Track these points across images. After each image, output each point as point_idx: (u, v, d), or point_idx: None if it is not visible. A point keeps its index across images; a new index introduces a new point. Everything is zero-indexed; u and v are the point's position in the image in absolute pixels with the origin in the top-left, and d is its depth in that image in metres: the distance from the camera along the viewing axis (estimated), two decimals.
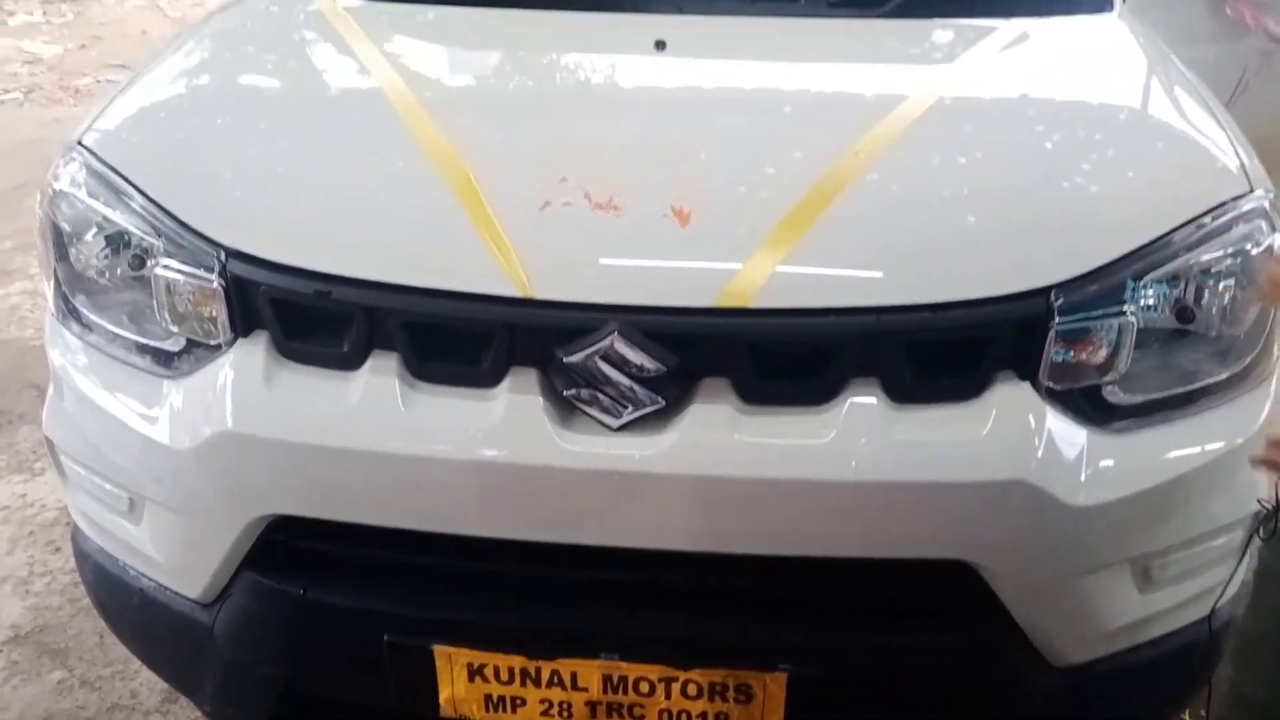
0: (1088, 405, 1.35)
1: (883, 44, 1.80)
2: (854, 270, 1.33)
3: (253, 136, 1.56)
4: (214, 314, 1.41)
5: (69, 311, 1.56)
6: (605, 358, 1.28)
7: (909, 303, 1.29)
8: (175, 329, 1.44)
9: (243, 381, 1.37)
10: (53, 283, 1.57)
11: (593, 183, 1.36)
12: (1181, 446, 1.40)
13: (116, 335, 1.50)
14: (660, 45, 1.66)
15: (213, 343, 1.42)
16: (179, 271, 1.41)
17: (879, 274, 1.32)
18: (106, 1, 7.11)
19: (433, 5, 1.89)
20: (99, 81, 5.54)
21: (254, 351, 1.39)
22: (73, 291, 1.55)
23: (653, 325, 1.28)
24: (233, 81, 1.75)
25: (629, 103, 1.61)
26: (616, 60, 1.75)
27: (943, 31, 1.82)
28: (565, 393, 1.31)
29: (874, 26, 1.82)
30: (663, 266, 1.33)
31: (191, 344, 1.44)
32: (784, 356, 1.31)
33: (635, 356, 1.27)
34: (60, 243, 1.54)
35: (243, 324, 1.40)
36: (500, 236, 1.32)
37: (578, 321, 1.29)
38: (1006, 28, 1.81)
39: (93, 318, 1.53)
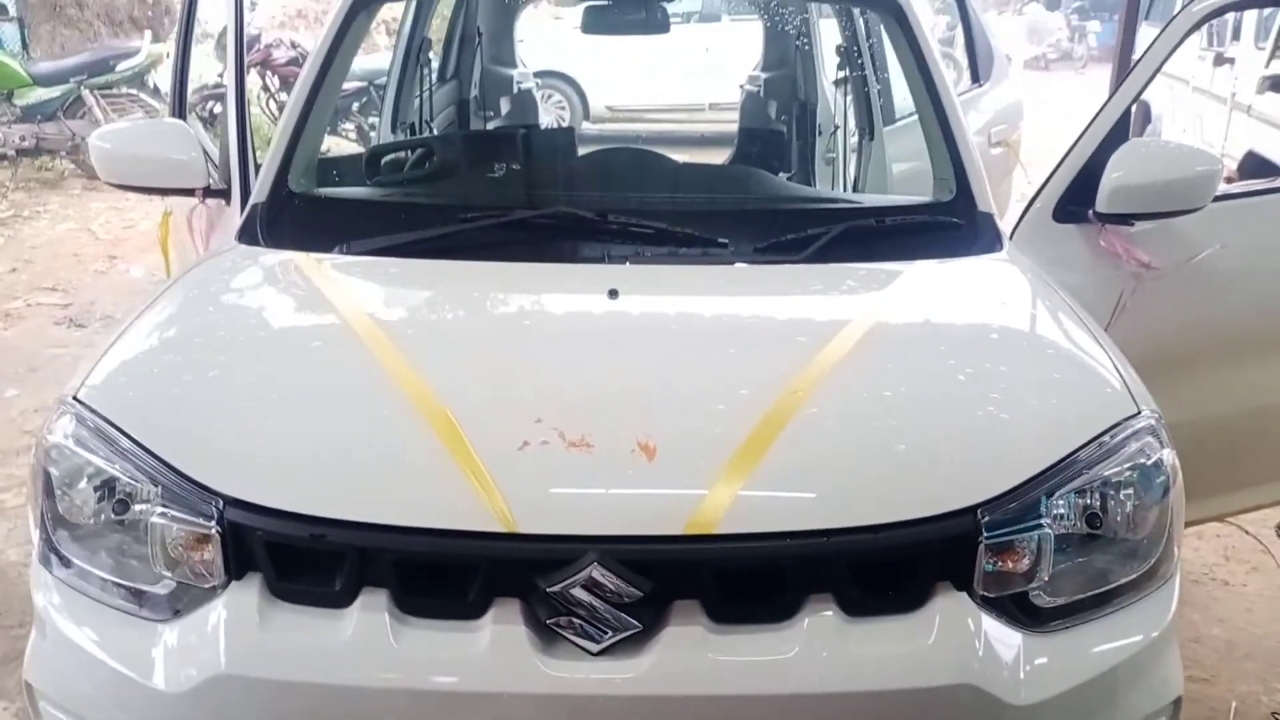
0: (1019, 610, 1.50)
1: (808, 287, 2.03)
2: (805, 495, 1.49)
3: (242, 387, 1.68)
4: (208, 558, 1.49)
5: (55, 554, 1.61)
6: (585, 586, 1.39)
7: (856, 525, 1.44)
8: (168, 574, 1.51)
9: (237, 623, 1.44)
10: (39, 528, 1.64)
11: (566, 423, 1.51)
12: (1105, 642, 1.54)
13: (104, 579, 1.56)
14: (613, 294, 1.86)
15: (205, 586, 1.49)
16: (175, 519, 1.50)
17: (827, 499, 1.47)
18: (38, 224, 7.25)
19: (403, 259, 2.07)
20: (30, 305, 5.60)
21: (247, 593, 1.46)
22: (60, 536, 1.61)
23: (628, 554, 1.40)
24: (218, 333, 1.89)
25: (590, 347, 1.78)
26: (575, 308, 1.94)
27: (859, 275, 2.06)
28: (547, 621, 1.41)
29: (798, 272, 2.04)
30: (635, 498, 1.47)
31: (183, 587, 1.51)
32: (747, 578, 1.44)
33: (613, 584, 1.39)
34: (49, 490, 1.62)
35: (236, 567, 1.48)
36: (484, 476, 1.45)
37: (559, 553, 1.41)
38: (914, 270, 2.06)
39: (79, 562, 1.59)
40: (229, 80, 2.50)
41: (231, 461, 1.53)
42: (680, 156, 2.82)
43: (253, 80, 9.51)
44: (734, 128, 4.54)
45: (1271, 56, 5.88)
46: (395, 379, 1.63)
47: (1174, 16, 2.50)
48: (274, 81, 9.48)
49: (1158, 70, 2.52)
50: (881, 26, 2.91)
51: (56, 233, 7.04)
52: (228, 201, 2.45)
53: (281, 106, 9.46)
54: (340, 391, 1.65)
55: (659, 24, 2.80)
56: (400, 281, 2.06)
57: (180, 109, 3.19)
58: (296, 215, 2.22)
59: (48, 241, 6.84)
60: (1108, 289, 2.40)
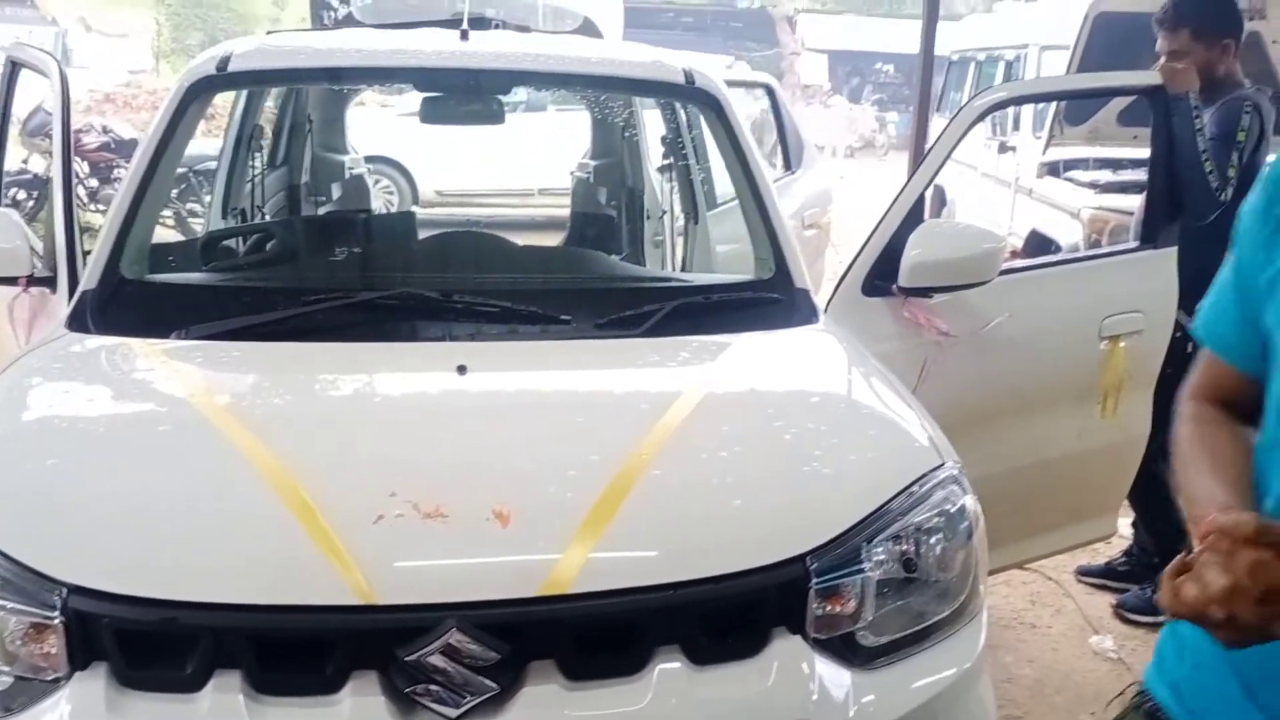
0: (847, 650, 1.64)
1: (646, 359, 2.16)
2: (652, 552, 1.58)
3: (81, 473, 1.65)
4: (50, 650, 1.45)
5: None
6: (443, 652, 1.44)
7: (699, 576, 1.55)
8: (4, 668, 1.46)
9: (82, 714, 1.41)
10: None
11: (420, 495, 1.56)
12: (924, 676, 1.69)
13: None
14: (462, 369, 1.93)
15: (46, 679, 1.45)
16: (13, 610, 1.45)
17: (672, 555, 1.58)
18: None
19: (244, 342, 2.08)
20: None
21: (93, 684, 1.43)
22: None
23: (485, 618, 1.46)
24: (53, 421, 1.85)
25: (442, 421, 1.84)
26: (425, 383, 2.00)
27: (692, 347, 2.20)
28: (406, 690, 1.44)
29: (636, 345, 2.17)
30: (490, 565, 1.53)
31: (20, 682, 1.46)
32: (600, 635, 1.51)
33: (471, 649, 1.44)
34: None
35: (81, 657, 1.45)
36: (339, 550, 1.48)
37: (417, 622, 1.45)
38: (740, 341, 2.22)
39: None
40: (55, 166, 2.45)
41: (73, 548, 1.50)
42: (516, 240, 2.94)
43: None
44: (565, 212, 4.70)
45: (1047, 145, 6.55)
46: (243, 455, 1.64)
47: (959, 110, 2.81)
48: (84, 167, 9.12)
49: (947, 157, 2.81)
50: (702, 118, 3.13)
51: None
52: (53, 289, 2.39)
53: (91, 192, 9.11)
54: (186, 471, 1.64)
55: (495, 115, 2.93)
56: (243, 364, 2.06)
57: None
58: (129, 301, 2.19)
59: None
60: (913, 355, 2.63)
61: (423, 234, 2.96)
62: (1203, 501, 1.06)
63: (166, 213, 8.53)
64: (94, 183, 9.13)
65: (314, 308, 2.13)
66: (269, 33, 3.33)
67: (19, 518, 1.55)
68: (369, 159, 9.59)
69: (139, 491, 1.61)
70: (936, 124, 8.95)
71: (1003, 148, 7.46)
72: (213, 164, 4.67)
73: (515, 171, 10.14)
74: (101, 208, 8.99)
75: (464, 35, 2.64)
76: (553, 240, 4.77)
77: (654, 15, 23.70)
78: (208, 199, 6.04)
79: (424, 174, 10.45)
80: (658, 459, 1.71)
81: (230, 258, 2.57)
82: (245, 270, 2.46)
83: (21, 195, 8.61)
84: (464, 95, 2.90)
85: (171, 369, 1.95)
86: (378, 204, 10.20)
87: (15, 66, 2.97)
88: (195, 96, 2.49)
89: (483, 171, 10.23)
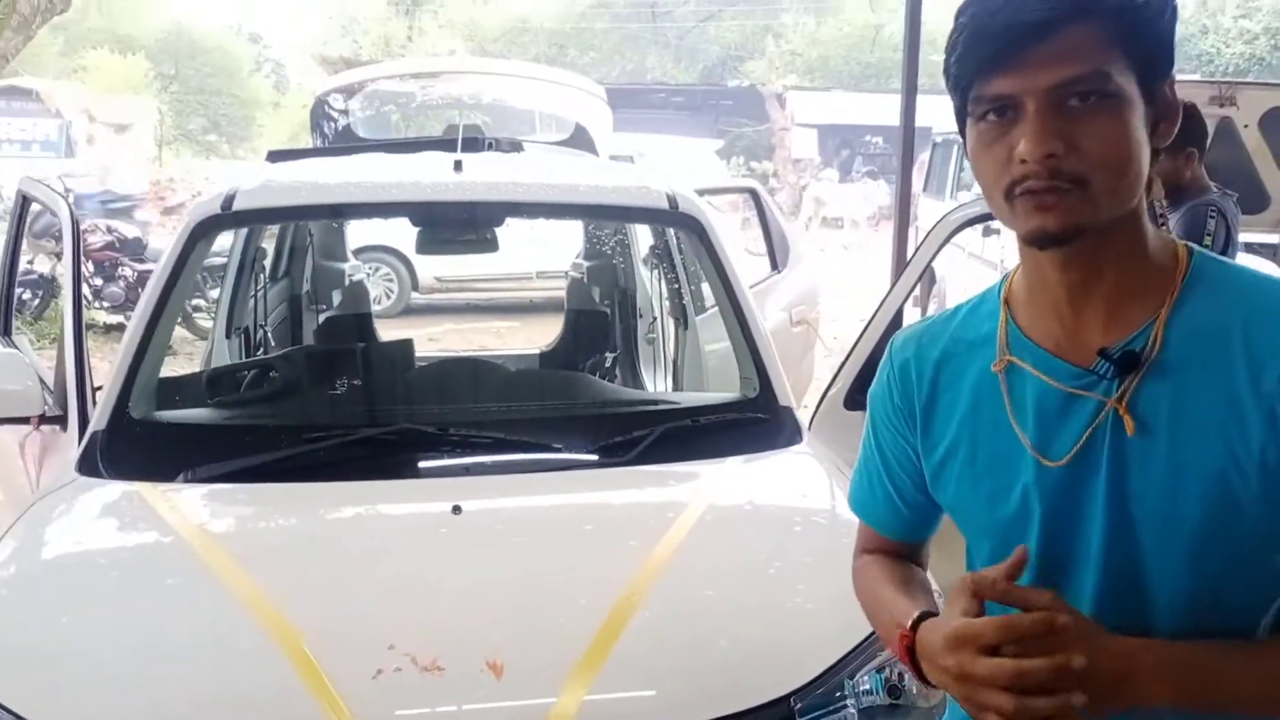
0: None
1: (636, 490, 2.25)
2: (645, 694, 1.66)
3: (87, 626, 1.74)
4: None
5: None
6: None
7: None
8: None
9: None
10: None
11: (417, 648, 1.63)
12: None
13: None
14: (456, 509, 2.01)
15: None
16: None
17: (664, 698, 1.65)
18: None
19: (248, 484, 2.16)
20: None
21: None
22: None
23: None
24: (64, 571, 1.93)
25: (438, 566, 1.92)
26: (423, 524, 2.08)
27: (679, 475, 2.29)
28: None
29: (627, 474, 2.25)
30: (486, 713, 1.59)
31: None
32: None
33: None
34: None
35: None
36: (339, 705, 1.55)
37: None
38: (726, 468, 2.30)
39: None
40: (65, 310, 2.55)
41: (75, 702, 1.57)
42: (511, 343, 3.02)
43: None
44: (562, 293, 4.83)
45: None
46: (246, 605, 1.72)
47: (935, 224, 2.92)
48: (89, 266, 9.29)
49: (925, 271, 2.92)
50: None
51: None
52: (63, 428, 2.48)
53: (96, 291, 9.26)
54: (188, 623, 1.72)
55: (488, 245, 3.05)
56: (247, 508, 2.14)
57: (6, 323, 3.19)
58: (137, 443, 2.28)
59: None
60: None
61: (422, 363, 3.07)
62: (889, 628, 1.11)
63: None
64: (99, 281, 9.28)
65: (314, 446, 2.22)
66: (270, 154, 3.46)
67: (18, 669, 1.62)
68: (368, 248, 9.85)
69: (141, 646, 1.68)
70: (922, 204, 9.16)
71: (987, 230, 7.62)
72: (220, 259, 4.79)
73: (513, 256, 10.32)
74: (106, 304, 9.14)
75: (458, 166, 2.77)
76: (549, 326, 4.86)
77: (646, 96, 24.21)
78: (214, 294, 6.17)
79: (423, 261, 10.62)
80: (647, 599, 1.78)
81: (234, 391, 2.66)
82: (248, 406, 2.55)
83: (27, 295, 8.78)
84: (458, 227, 3.02)
85: (177, 516, 2.03)
86: (377, 291, 10.42)
87: (26, 201, 3.10)
88: (202, 235, 2.61)
89: (481, 257, 10.36)
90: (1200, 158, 3.37)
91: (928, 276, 8.21)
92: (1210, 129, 5.04)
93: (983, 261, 7.81)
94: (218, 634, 1.70)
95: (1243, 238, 4.36)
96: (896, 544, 1.26)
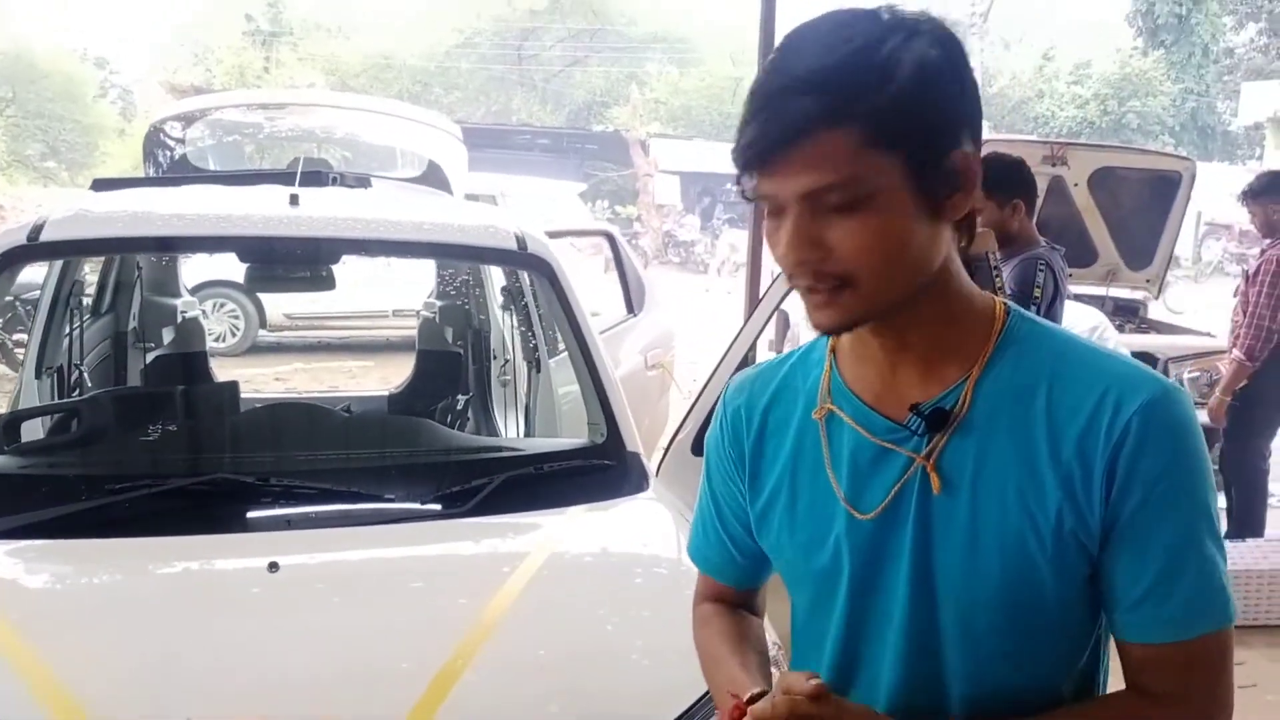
0: None
1: (470, 544, 2.14)
2: None
3: None
4: None
5: None
6: None
7: None
8: None
9: None
10: None
11: (219, 715, 1.49)
12: None
13: None
14: (273, 567, 1.86)
15: None
16: None
17: None
18: None
19: (42, 540, 1.96)
20: None
21: None
22: None
23: None
24: None
25: (245, 631, 1.77)
26: (232, 585, 1.92)
27: (520, 527, 2.19)
28: None
29: (463, 526, 2.15)
30: None
31: None
32: None
33: None
34: None
35: None
36: None
37: None
38: (568, 517, 2.22)
39: None
40: None
41: None
42: (364, 384, 2.88)
43: None
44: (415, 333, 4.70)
45: None
46: (25, 686, 1.54)
47: (777, 275, 2.95)
48: None
49: (770, 316, 2.93)
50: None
51: None
52: None
53: None
54: None
55: (325, 282, 2.91)
56: (35, 566, 1.94)
57: None
58: None
59: None
60: None
61: (248, 407, 2.89)
62: (723, 693, 1.10)
63: None
64: None
65: (119, 498, 2.03)
66: (95, 182, 3.24)
67: None
68: (212, 283, 9.41)
69: None
70: None
71: None
72: (38, 293, 4.46)
73: (368, 293, 10.04)
74: None
75: (294, 200, 2.63)
76: (406, 364, 4.72)
77: (511, 137, 24.17)
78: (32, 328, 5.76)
79: (272, 298, 10.23)
80: (477, 659, 1.68)
81: (37, 435, 2.44)
82: (51, 453, 2.33)
83: None
84: (291, 264, 2.87)
85: None
86: (222, 328, 9.96)
87: None
88: (5, 266, 2.39)
89: (333, 294, 10.05)
90: (1029, 210, 3.51)
91: (781, 319, 8.39)
92: (1043, 187, 5.31)
93: None
94: None
95: (1073, 289, 4.58)
96: (733, 591, 1.24)
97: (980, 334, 1.01)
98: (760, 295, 6.11)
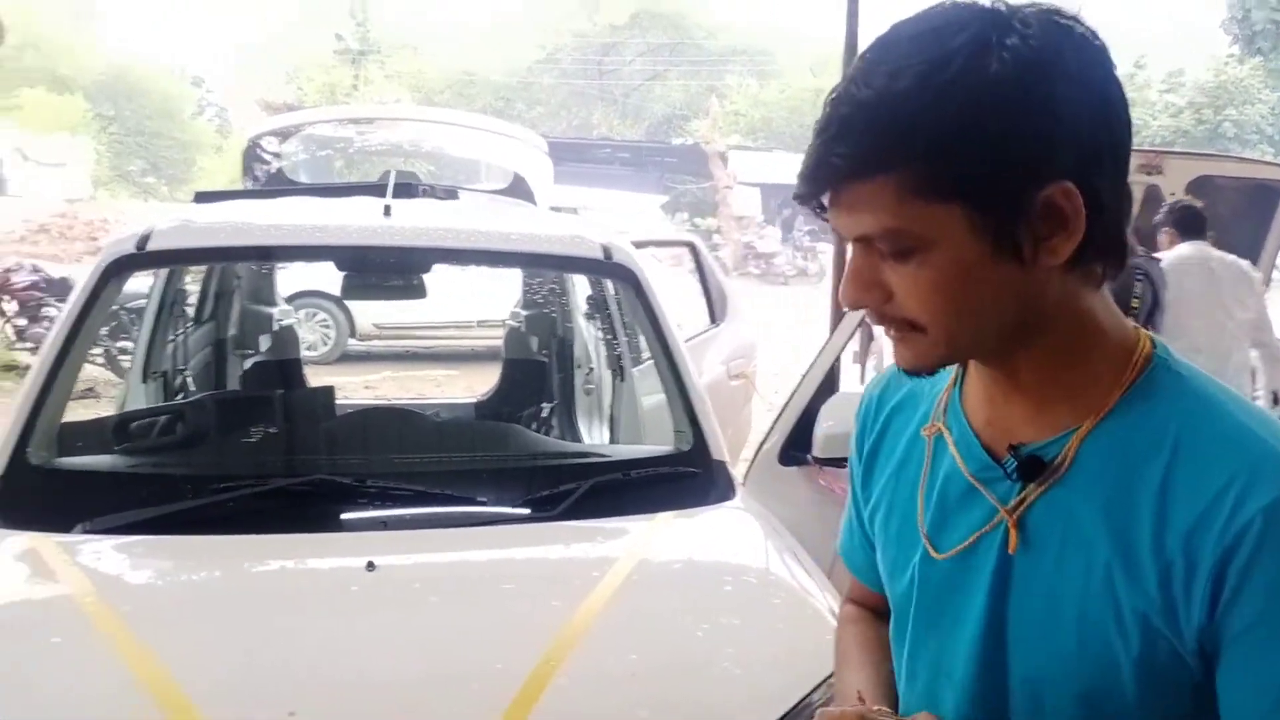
0: None
1: (563, 548, 2.16)
2: None
3: None
4: None
5: None
6: None
7: None
8: None
9: None
10: None
11: (321, 712, 1.53)
12: None
13: None
14: (370, 566, 1.91)
15: None
16: None
17: None
18: None
19: (151, 536, 2.04)
20: None
21: None
22: None
23: None
24: None
25: (344, 627, 1.80)
26: (334, 582, 1.97)
27: (608, 531, 2.21)
28: None
29: (554, 530, 2.17)
30: None
31: None
32: None
33: None
34: None
35: None
36: None
37: None
38: (656, 524, 2.23)
39: None
40: None
41: None
42: (449, 392, 2.94)
43: None
44: (500, 343, 4.76)
45: None
46: (137, 677, 1.60)
47: None
48: (12, 306, 9.01)
49: (856, 328, 2.91)
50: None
51: None
52: None
53: (19, 331, 8.97)
54: (76, 695, 1.59)
55: (416, 291, 2.98)
56: (145, 562, 2.02)
57: None
58: (34, 491, 2.15)
59: None
60: (831, 525, 2.67)
61: (343, 411, 2.96)
62: (844, 695, 1.06)
63: (96, 350, 8.46)
64: (22, 321, 9.01)
65: (222, 497, 2.10)
66: (197, 195, 3.36)
67: None
68: (304, 294, 9.67)
69: (17, 715, 1.55)
70: None
71: None
72: (144, 301, 4.64)
73: (454, 304, 10.22)
74: (29, 345, 8.84)
75: (387, 211, 2.70)
76: (490, 373, 4.78)
77: (592, 150, 24.41)
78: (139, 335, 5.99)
79: (361, 307, 10.47)
80: (567, 663, 1.69)
81: (143, 438, 2.53)
82: (156, 453, 2.42)
83: None
84: (385, 273, 2.95)
85: (71, 570, 1.90)
86: (314, 337, 10.23)
87: None
88: (114, 275, 2.50)
89: (421, 304, 10.24)
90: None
91: (865, 331, 8.30)
92: (1138, 196, 5.17)
93: None
94: (101, 702, 1.58)
95: None
96: (877, 595, 1.13)
97: (1113, 379, 0.86)
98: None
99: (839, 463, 2.66)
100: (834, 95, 0.82)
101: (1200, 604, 0.79)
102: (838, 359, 2.88)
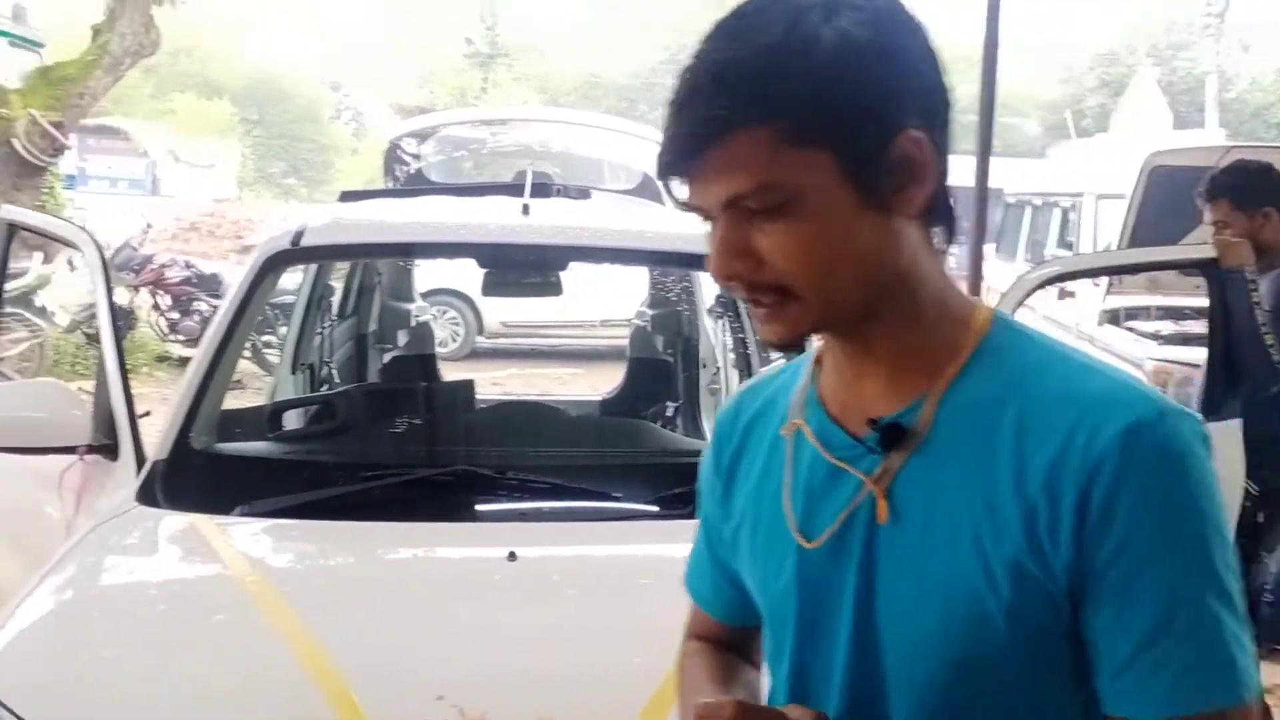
0: None
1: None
2: None
3: (142, 670, 1.70)
4: None
5: None
6: None
7: None
8: None
9: None
10: None
11: (466, 699, 1.57)
12: None
13: None
14: (512, 556, 1.95)
15: None
16: None
17: None
18: None
19: (304, 520, 2.13)
20: None
21: None
22: None
23: None
24: (119, 610, 1.90)
25: (489, 614, 1.86)
26: (475, 572, 2.03)
27: None
28: None
29: (683, 527, 2.14)
30: None
31: None
32: None
33: None
34: None
35: None
36: None
37: None
38: None
39: None
40: (105, 339, 2.42)
41: None
42: (574, 389, 2.99)
43: (144, 298, 9.53)
44: (624, 342, 4.80)
45: (1108, 291, 6.52)
46: (294, 652, 1.67)
47: (1011, 285, 2.83)
48: (165, 300, 9.52)
49: None
50: None
51: None
52: (112, 457, 2.43)
53: (172, 324, 9.48)
54: (236, 667, 1.68)
55: (553, 288, 3.04)
56: (300, 545, 2.12)
57: None
58: (196, 475, 2.27)
59: None
60: None
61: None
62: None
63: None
64: (175, 315, 9.51)
65: (370, 484, 2.19)
66: (343, 194, 3.50)
67: (56, 698, 1.60)
68: (435, 291, 9.96)
69: (180, 683, 1.65)
70: (993, 265, 9.02)
71: (1062, 293, 7.45)
72: (289, 297, 4.85)
73: (578, 303, 10.37)
74: (181, 338, 9.34)
75: (525, 210, 2.76)
76: (614, 372, 4.83)
77: None
78: (283, 331, 6.26)
79: (489, 305, 10.71)
80: None
81: (297, 424, 2.66)
82: (307, 441, 2.53)
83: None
84: (523, 270, 3.01)
85: (230, 551, 2.00)
86: (444, 334, 10.52)
87: (12, 229, 3.07)
88: (271, 269, 2.62)
89: (546, 303, 10.44)
90: None
91: None
92: None
93: (1057, 325, 7.64)
94: (261, 674, 1.66)
95: None
96: (724, 628, 1.09)
97: (957, 343, 0.87)
98: None
99: None
100: (692, 63, 0.84)
101: (1067, 538, 0.79)
102: None
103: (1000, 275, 8.41)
